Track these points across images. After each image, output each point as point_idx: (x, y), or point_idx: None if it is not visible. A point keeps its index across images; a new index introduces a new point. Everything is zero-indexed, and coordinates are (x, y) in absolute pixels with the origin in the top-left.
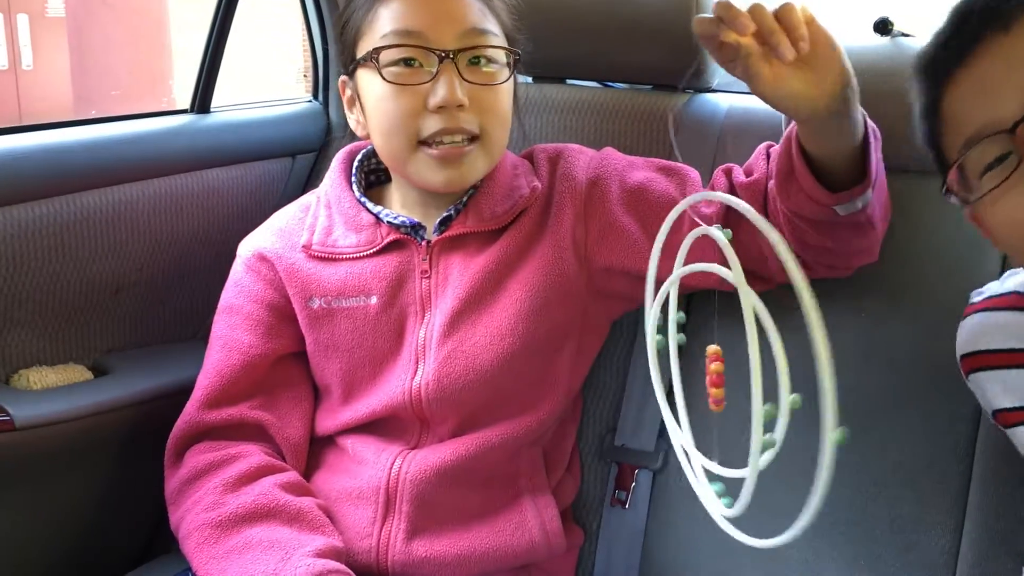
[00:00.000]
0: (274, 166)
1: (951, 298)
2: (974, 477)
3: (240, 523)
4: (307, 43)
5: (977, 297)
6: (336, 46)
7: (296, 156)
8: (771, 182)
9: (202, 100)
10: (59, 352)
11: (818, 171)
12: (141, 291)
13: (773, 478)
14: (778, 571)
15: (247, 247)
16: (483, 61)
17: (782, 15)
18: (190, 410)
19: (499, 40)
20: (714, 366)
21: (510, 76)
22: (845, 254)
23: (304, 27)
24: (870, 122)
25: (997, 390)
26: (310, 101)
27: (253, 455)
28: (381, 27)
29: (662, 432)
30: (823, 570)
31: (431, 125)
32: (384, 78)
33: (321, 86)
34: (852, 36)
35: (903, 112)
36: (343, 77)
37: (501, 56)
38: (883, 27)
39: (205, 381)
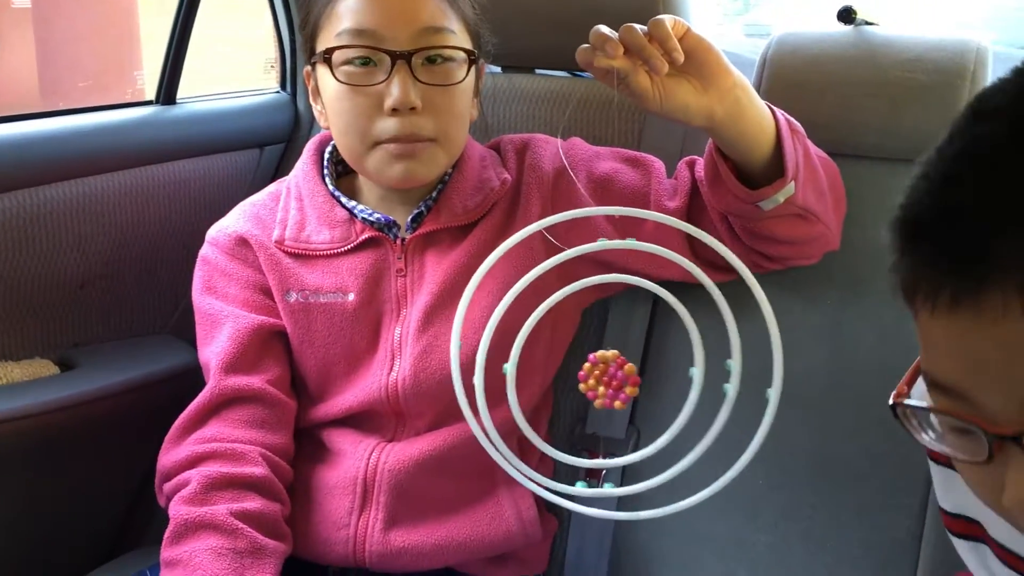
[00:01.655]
0: (242, 157)
1: None
2: None
3: (198, 529)
4: (275, 33)
5: None
6: (298, 36)
7: (264, 147)
8: (704, 183)
9: (167, 91)
10: (24, 347)
11: (742, 171)
12: (107, 284)
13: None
14: (745, 555)
15: (223, 232)
16: (439, 60)
17: (652, 30)
18: (214, 378)
19: (457, 38)
20: (587, 366)
21: (466, 75)
22: (797, 244)
23: (272, 17)
24: (784, 116)
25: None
26: (278, 92)
27: (251, 464)
28: (337, 24)
29: (632, 419)
30: (790, 554)
31: (386, 129)
32: (337, 78)
33: (289, 77)
34: (816, 24)
35: (865, 99)
36: (307, 68)
37: (460, 54)
38: (846, 16)
39: (219, 348)
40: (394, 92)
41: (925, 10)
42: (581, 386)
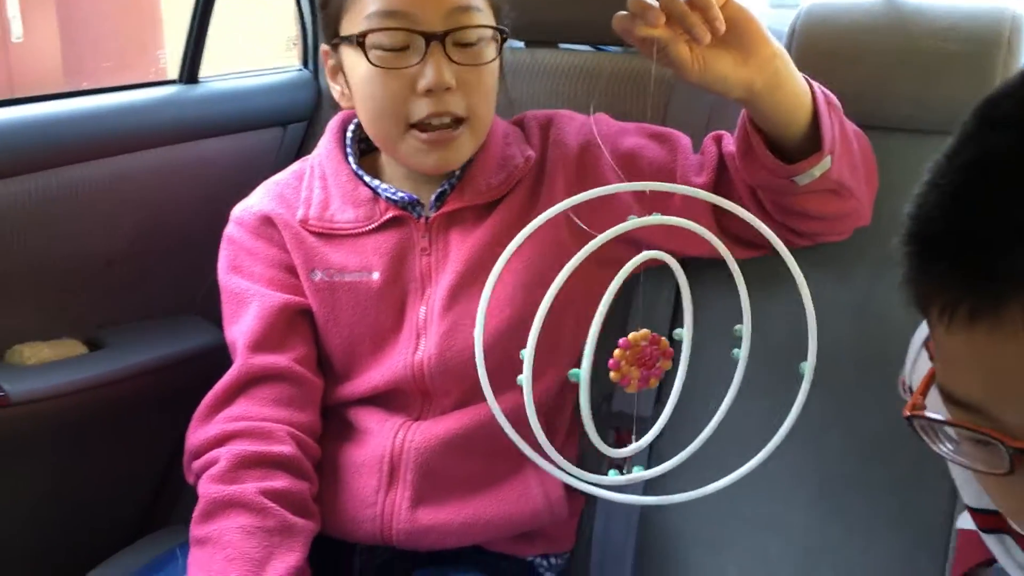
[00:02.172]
0: (265, 136)
1: None
2: None
3: (228, 507)
4: (296, 10)
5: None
6: (319, 15)
7: (287, 125)
8: (736, 157)
9: (190, 70)
10: (53, 327)
11: (775, 144)
12: (134, 264)
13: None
14: (777, 533)
15: (248, 211)
16: (471, 40)
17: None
18: (241, 356)
19: (485, 15)
20: (617, 352)
21: (498, 55)
22: (829, 219)
23: None
24: (821, 88)
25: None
26: (300, 69)
27: (279, 442)
28: (365, 5)
29: (659, 397)
30: (823, 532)
31: (420, 109)
32: (371, 61)
33: (310, 54)
34: None
35: (897, 69)
36: (324, 47)
37: (488, 32)
38: None
39: (246, 327)
40: (429, 74)
41: None
42: (613, 375)
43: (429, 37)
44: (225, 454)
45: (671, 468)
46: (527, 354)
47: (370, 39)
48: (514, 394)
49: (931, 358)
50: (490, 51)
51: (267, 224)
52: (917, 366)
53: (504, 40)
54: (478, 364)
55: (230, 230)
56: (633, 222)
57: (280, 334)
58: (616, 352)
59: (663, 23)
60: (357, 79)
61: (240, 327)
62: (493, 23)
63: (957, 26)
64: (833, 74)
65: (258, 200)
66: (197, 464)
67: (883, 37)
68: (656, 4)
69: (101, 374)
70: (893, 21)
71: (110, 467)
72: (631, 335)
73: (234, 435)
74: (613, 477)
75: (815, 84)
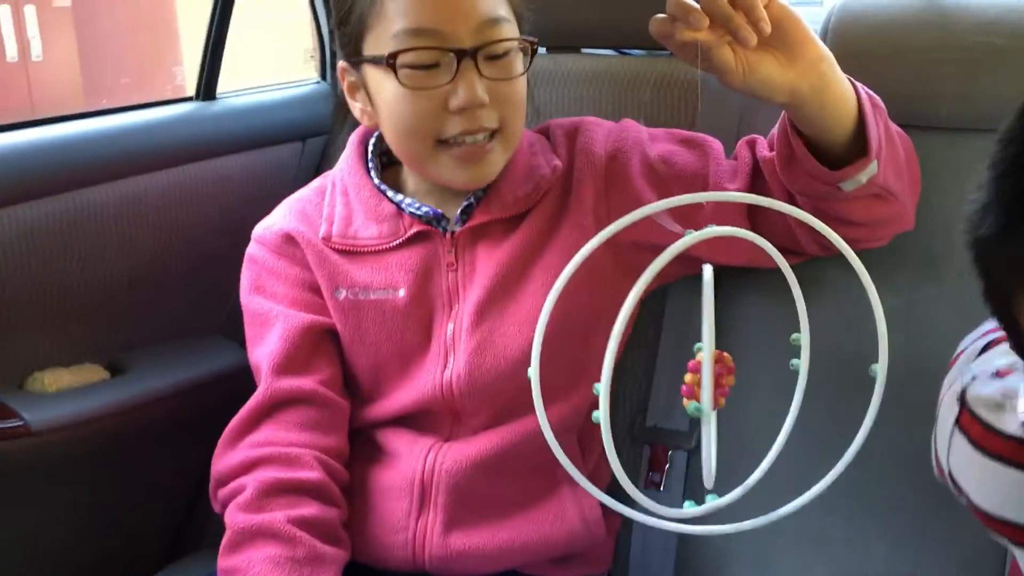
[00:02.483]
0: (284, 151)
1: None
2: None
3: (256, 537)
4: (312, 22)
5: (996, 415)
6: (335, 34)
7: (306, 140)
8: (776, 164)
9: (207, 87)
10: (73, 352)
11: (818, 149)
12: (154, 285)
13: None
14: (821, 552)
15: (269, 230)
16: (502, 53)
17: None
18: (265, 380)
19: (513, 27)
20: (688, 377)
21: (528, 67)
22: (871, 225)
23: (309, 5)
24: (865, 90)
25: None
26: (318, 82)
27: (306, 468)
28: (390, 23)
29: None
30: (870, 550)
31: (452, 126)
32: (401, 82)
33: (328, 66)
34: None
35: (938, 66)
36: (343, 63)
37: (516, 43)
38: None
39: (269, 349)
40: (462, 93)
41: None
42: (689, 405)
43: (460, 54)
44: (251, 482)
45: (743, 492)
46: (532, 372)
47: (399, 58)
48: (546, 414)
49: (969, 438)
50: (519, 62)
51: (289, 243)
52: (953, 452)
53: (535, 51)
54: (533, 389)
55: (252, 250)
56: (692, 236)
57: (305, 356)
58: (688, 377)
59: (706, 26)
60: (384, 100)
61: (264, 349)
62: (518, 32)
63: (1000, 19)
64: (870, 73)
65: (280, 218)
66: (223, 492)
67: (922, 33)
68: (697, 5)
69: (124, 399)
70: (932, 16)
71: (135, 494)
72: (699, 356)
73: (260, 461)
74: (689, 508)
75: (859, 85)
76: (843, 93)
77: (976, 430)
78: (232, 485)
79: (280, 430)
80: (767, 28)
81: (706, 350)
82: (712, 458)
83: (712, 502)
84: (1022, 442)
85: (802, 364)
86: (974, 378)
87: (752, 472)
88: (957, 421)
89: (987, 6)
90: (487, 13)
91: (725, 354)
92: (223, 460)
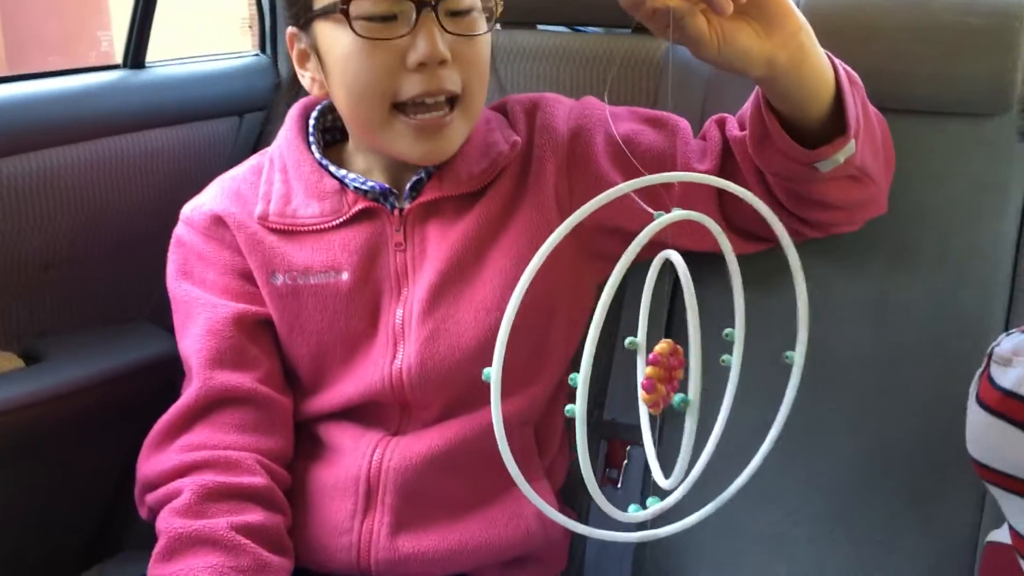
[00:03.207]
0: (220, 126)
1: (968, 249)
2: None
3: (195, 544)
4: None
5: (1001, 368)
6: None
7: (244, 115)
8: (748, 144)
9: (135, 54)
10: None
11: (793, 128)
12: (75, 267)
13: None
14: (785, 550)
15: (198, 211)
16: (464, 10)
17: None
18: (193, 379)
19: None
20: (649, 370)
21: (493, 25)
22: (847, 208)
23: None
24: (843, 66)
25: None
26: (257, 55)
27: (248, 473)
28: None
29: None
30: (835, 547)
31: (410, 87)
32: (356, 32)
33: (268, 38)
34: None
35: (913, 46)
36: (292, 29)
37: (479, 3)
38: None
39: (198, 344)
40: (421, 46)
41: None
42: (646, 397)
43: (420, 4)
44: (190, 485)
45: (685, 492)
46: (494, 372)
47: (354, 7)
48: (503, 407)
49: (976, 391)
50: (483, 23)
51: (219, 225)
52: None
53: (500, 13)
54: (492, 394)
55: (179, 231)
56: (661, 220)
57: (238, 350)
58: (648, 371)
59: None
60: (336, 57)
61: (191, 343)
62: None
63: None
64: (843, 53)
65: (210, 198)
66: (153, 497)
67: (897, 12)
68: None
69: (40, 389)
70: None
71: (52, 493)
72: (657, 349)
73: (197, 466)
74: (634, 512)
75: (837, 61)
76: (821, 67)
77: (983, 383)
78: (165, 489)
79: (217, 432)
80: None
81: (693, 346)
82: (654, 457)
83: (654, 505)
84: (1010, 395)
85: (734, 360)
86: (1008, 334)
87: (711, 470)
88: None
89: None
90: None
91: (678, 347)
92: (152, 463)
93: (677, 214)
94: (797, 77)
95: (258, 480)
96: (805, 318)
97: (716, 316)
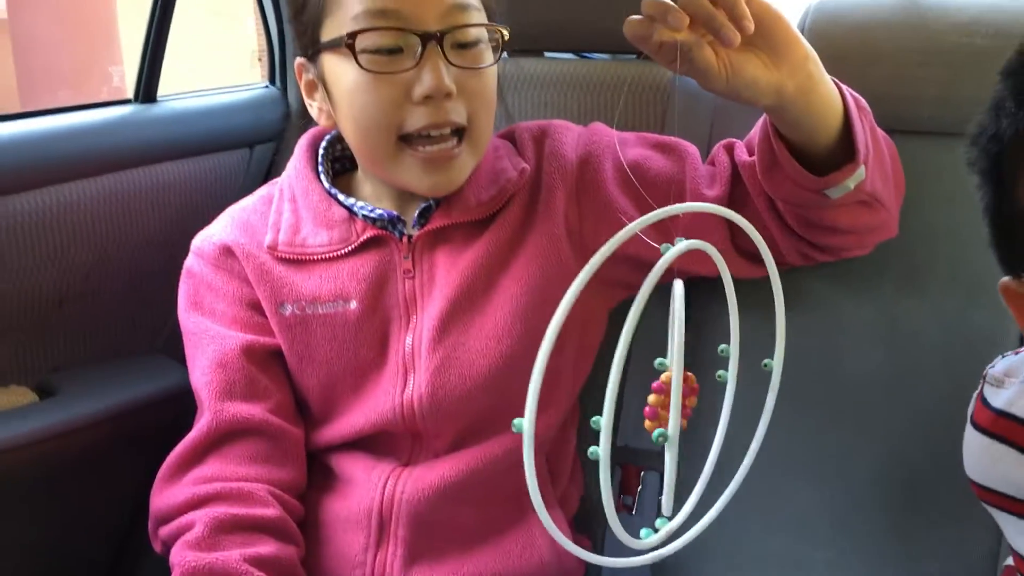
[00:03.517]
0: (230, 158)
1: (978, 272)
2: None
3: None
4: (261, 23)
5: (994, 389)
6: (291, 25)
7: (254, 146)
8: (758, 170)
9: (147, 88)
10: None
11: (802, 154)
12: (89, 301)
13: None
14: (800, 574)
15: (208, 242)
16: (470, 42)
17: None
18: (205, 411)
19: (481, 15)
20: (652, 398)
21: (499, 57)
22: (858, 233)
23: (256, 5)
24: (851, 92)
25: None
26: (266, 86)
27: (261, 504)
28: (351, 6)
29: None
30: (851, 572)
31: (416, 119)
32: (361, 66)
33: (278, 69)
34: None
35: (918, 68)
36: (300, 60)
37: (485, 34)
38: None
39: (206, 377)
40: (427, 79)
41: None
42: (650, 424)
43: (425, 37)
44: (202, 517)
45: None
46: (526, 424)
47: (359, 41)
48: (514, 436)
49: (971, 413)
50: (489, 54)
51: (228, 255)
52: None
53: (505, 43)
54: (525, 446)
55: (190, 262)
56: (668, 256)
57: (248, 381)
58: (651, 399)
59: (687, 25)
60: (343, 89)
61: (201, 376)
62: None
63: (981, 19)
64: (848, 75)
65: (220, 228)
66: (166, 530)
67: (902, 34)
68: (674, 4)
69: (53, 424)
70: (912, 16)
71: (66, 526)
72: (663, 376)
73: (209, 498)
74: (647, 539)
75: (844, 87)
76: (829, 94)
77: (977, 404)
78: (178, 522)
79: (229, 464)
80: (751, 26)
81: (675, 373)
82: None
83: (664, 526)
84: (1002, 415)
85: (730, 378)
86: (1003, 356)
87: (719, 489)
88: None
89: (967, 6)
90: None
91: (689, 374)
92: (164, 496)
93: (684, 245)
94: (805, 105)
95: (271, 511)
96: (782, 337)
97: (724, 339)
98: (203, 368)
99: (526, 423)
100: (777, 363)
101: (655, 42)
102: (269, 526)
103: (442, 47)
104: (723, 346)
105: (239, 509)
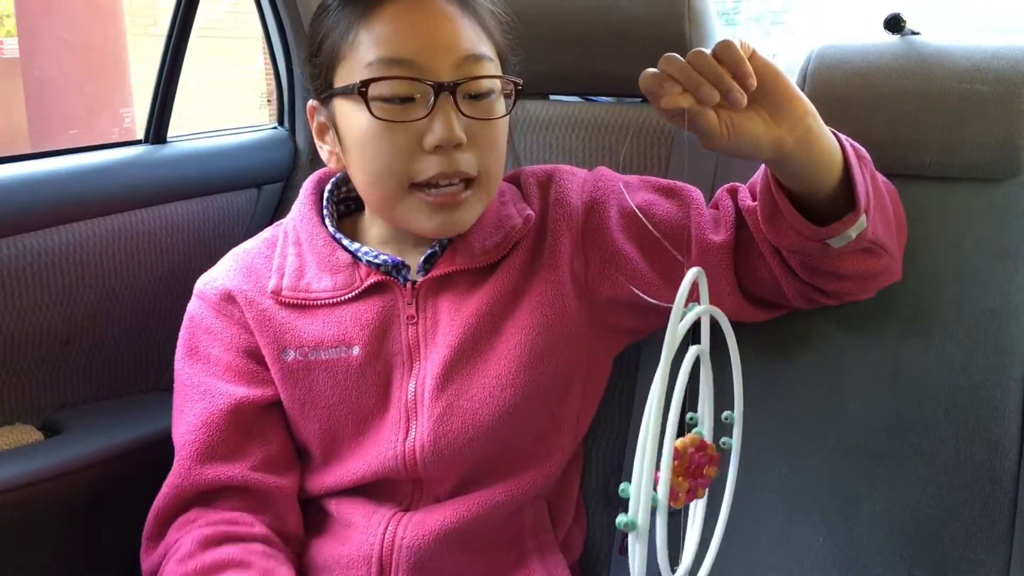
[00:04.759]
0: (238, 198)
1: (981, 315)
2: (1019, 511)
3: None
4: (271, 65)
5: None
6: (305, 68)
7: (262, 187)
8: (760, 220)
9: (157, 129)
10: (4, 412)
11: (803, 204)
12: (95, 340)
13: None
14: None
15: (210, 285)
16: (482, 92)
17: (722, 54)
18: (180, 470)
19: (495, 66)
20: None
21: (511, 108)
22: (861, 278)
23: (266, 48)
24: (850, 142)
25: None
26: (275, 127)
27: (248, 525)
28: (365, 54)
29: None
30: None
31: (427, 169)
32: (373, 114)
33: (287, 111)
34: (862, 34)
35: (920, 114)
36: (313, 103)
37: (498, 84)
38: (895, 24)
39: (191, 436)
40: (438, 129)
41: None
42: (661, 488)
43: (438, 88)
44: (188, 537)
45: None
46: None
47: (372, 88)
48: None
49: None
50: (501, 105)
51: (229, 301)
52: None
53: (519, 92)
54: None
55: (192, 306)
56: (694, 313)
57: (233, 442)
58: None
59: (717, 100)
60: (355, 136)
61: (185, 433)
62: (501, 73)
63: (982, 66)
64: (850, 119)
65: (223, 273)
66: (152, 565)
67: (903, 80)
68: (675, 63)
69: (59, 462)
70: (914, 63)
71: (71, 566)
72: (679, 442)
73: (194, 527)
74: None
75: (843, 137)
76: (828, 146)
77: None
78: (163, 550)
79: (207, 511)
80: (754, 84)
81: (666, 448)
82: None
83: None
84: None
85: (734, 444)
86: None
87: (730, 540)
88: None
89: (969, 53)
90: (469, 49)
91: (710, 444)
92: (151, 555)
93: (698, 310)
94: (806, 159)
95: (259, 530)
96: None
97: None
98: (188, 425)
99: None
100: (737, 416)
101: (664, 104)
102: (261, 538)
103: (455, 97)
104: (727, 413)
105: (227, 527)
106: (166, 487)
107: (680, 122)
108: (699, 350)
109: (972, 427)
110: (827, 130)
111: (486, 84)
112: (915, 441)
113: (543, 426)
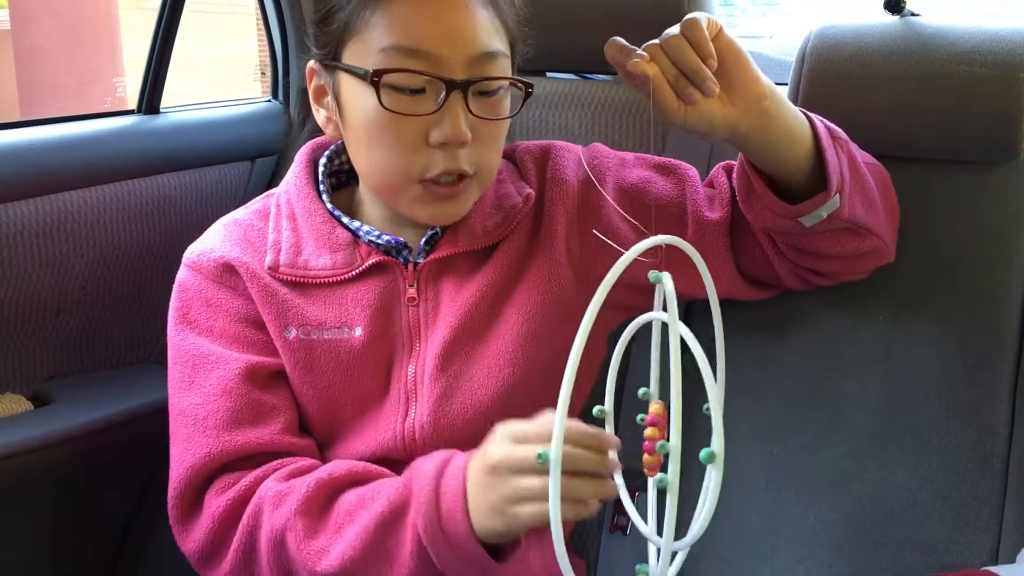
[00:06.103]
0: (231, 170)
1: (976, 297)
2: (1009, 493)
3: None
4: (265, 37)
5: None
6: (311, 30)
7: (255, 159)
8: (739, 199)
9: (150, 100)
10: None
11: (778, 183)
12: (86, 310)
13: None
14: None
15: (205, 256)
16: (493, 92)
17: (686, 31)
18: (207, 441)
19: (507, 63)
20: (649, 431)
21: (519, 108)
22: (847, 259)
23: (260, 18)
24: (824, 123)
25: None
26: (269, 100)
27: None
28: (380, 35)
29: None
30: None
31: (432, 166)
32: (383, 104)
33: (281, 84)
34: (861, 14)
35: (918, 96)
36: (313, 64)
37: (507, 82)
38: (894, 5)
39: (213, 405)
40: (445, 126)
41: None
42: (649, 459)
43: (451, 85)
44: (271, 483)
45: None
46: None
47: (385, 79)
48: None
49: None
50: (507, 101)
51: (230, 272)
52: None
53: (529, 94)
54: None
55: (183, 276)
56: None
57: (257, 404)
58: (649, 432)
59: (717, 92)
60: (359, 117)
61: (203, 401)
62: (511, 65)
63: (981, 49)
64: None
65: (218, 243)
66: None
67: (902, 61)
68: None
69: (49, 433)
70: (912, 44)
71: (60, 536)
72: (652, 409)
73: (247, 492)
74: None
75: (816, 118)
76: (790, 130)
77: None
78: (209, 523)
79: (244, 475)
80: (715, 64)
81: (674, 418)
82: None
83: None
84: None
85: (717, 441)
86: None
87: (720, 517)
88: None
89: (968, 35)
90: (485, 45)
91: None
92: (192, 531)
93: (651, 240)
94: (764, 142)
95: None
96: (722, 375)
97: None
98: (205, 395)
99: (553, 452)
100: (716, 407)
101: (627, 70)
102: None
103: (465, 96)
104: (706, 405)
105: (297, 463)
106: (191, 460)
107: (646, 89)
108: (657, 317)
109: (964, 409)
110: (794, 112)
111: (497, 82)
112: (906, 422)
113: (541, 404)
